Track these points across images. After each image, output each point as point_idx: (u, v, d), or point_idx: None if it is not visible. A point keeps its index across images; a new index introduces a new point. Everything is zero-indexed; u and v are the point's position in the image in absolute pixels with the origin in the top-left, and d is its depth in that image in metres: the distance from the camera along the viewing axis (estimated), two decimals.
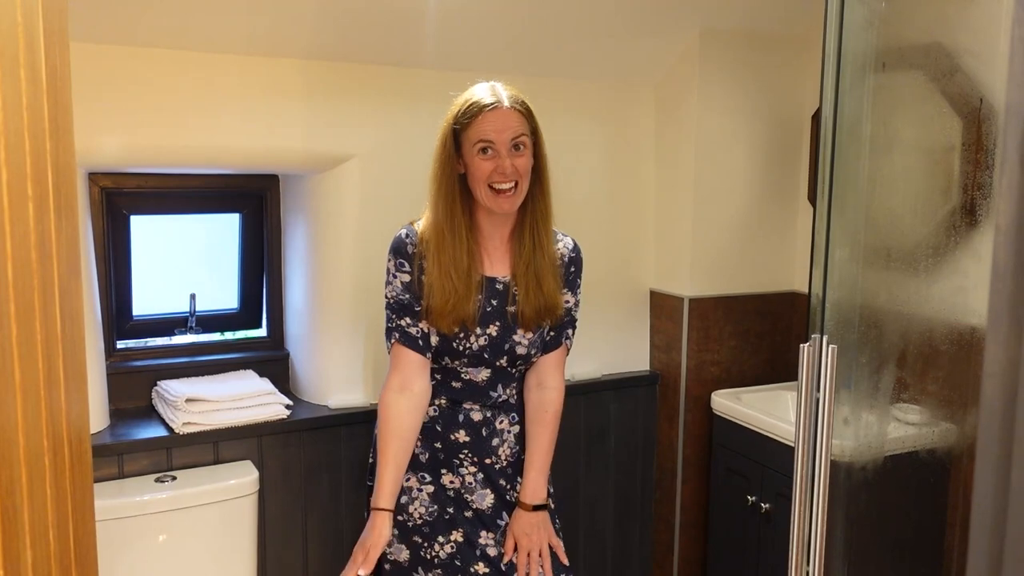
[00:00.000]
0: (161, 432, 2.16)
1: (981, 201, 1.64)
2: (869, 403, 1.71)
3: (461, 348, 1.78)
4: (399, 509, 1.84)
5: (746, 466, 2.45)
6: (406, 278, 1.79)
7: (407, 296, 1.79)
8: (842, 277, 1.56)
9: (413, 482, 1.85)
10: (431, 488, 1.85)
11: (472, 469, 1.85)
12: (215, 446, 2.21)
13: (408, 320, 1.79)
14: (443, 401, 1.85)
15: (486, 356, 1.80)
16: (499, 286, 1.82)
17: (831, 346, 1.44)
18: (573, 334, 1.95)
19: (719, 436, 2.58)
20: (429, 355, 1.82)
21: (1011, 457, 0.60)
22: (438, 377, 1.84)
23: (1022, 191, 0.57)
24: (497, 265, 1.83)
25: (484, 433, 1.85)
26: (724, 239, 2.67)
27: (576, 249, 1.93)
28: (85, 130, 1.71)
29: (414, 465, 1.85)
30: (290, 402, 2.32)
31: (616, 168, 2.69)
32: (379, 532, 1.77)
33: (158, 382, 2.31)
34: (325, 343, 2.39)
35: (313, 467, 2.33)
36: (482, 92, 1.75)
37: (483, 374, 1.82)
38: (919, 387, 1.72)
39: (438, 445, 1.85)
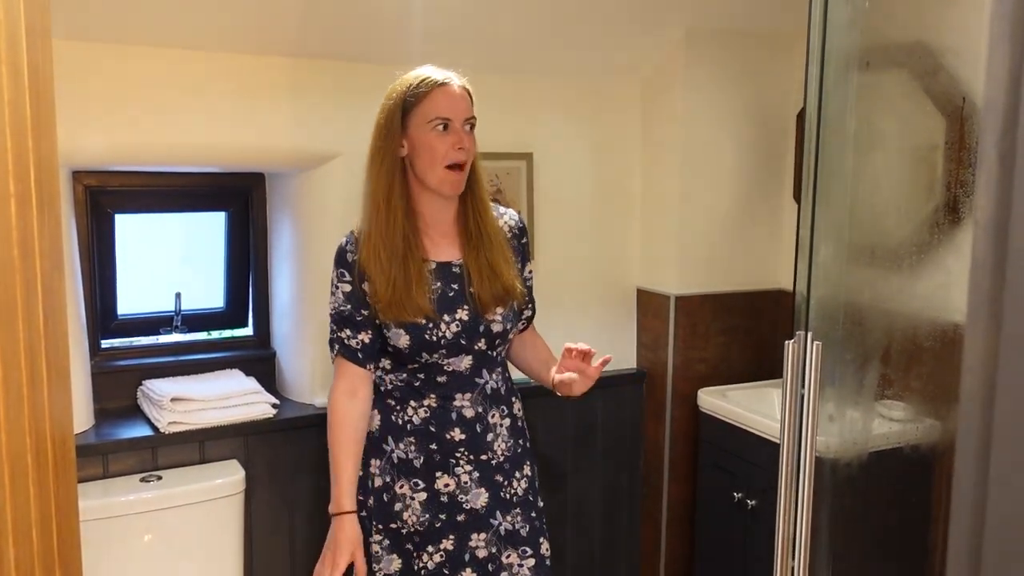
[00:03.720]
0: (146, 432, 2.15)
1: (964, 199, 1.65)
2: (854, 399, 1.72)
3: (435, 339, 1.75)
4: (393, 516, 1.82)
5: (732, 463, 2.46)
6: (347, 288, 1.78)
7: (348, 307, 1.78)
8: (827, 274, 1.57)
9: (406, 489, 1.81)
10: (423, 496, 1.81)
11: (468, 468, 1.81)
12: (201, 445, 2.20)
13: (348, 332, 1.79)
14: (432, 401, 1.81)
15: (463, 342, 1.77)
16: (456, 269, 1.80)
17: (816, 343, 1.45)
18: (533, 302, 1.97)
19: (706, 433, 2.59)
20: (371, 367, 1.81)
21: (990, 450, 0.61)
22: (421, 377, 1.80)
23: (1000, 187, 0.58)
24: (448, 250, 1.81)
25: (478, 429, 1.82)
26: (710, 237, 2.68)
27: (521, 219, 1.94)
28: (69, 128, 1.70)
29: (407, 471, 1.81)
30: (276, 401, 2.31)
31: (602, 166, 2.70)
32: (347, 535, 1.76)
33: (143, 381, 2.30)
34: (311, 342, 2.39)
35: (299, 466, 2.32)
36: (431, 71, 1.74)
37: (465, 362, 1.80)
38: (903, 383, 1.74)
39: (433, 447, 1.80)
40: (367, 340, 1.79)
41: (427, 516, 1.81)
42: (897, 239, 1.74)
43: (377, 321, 1.78)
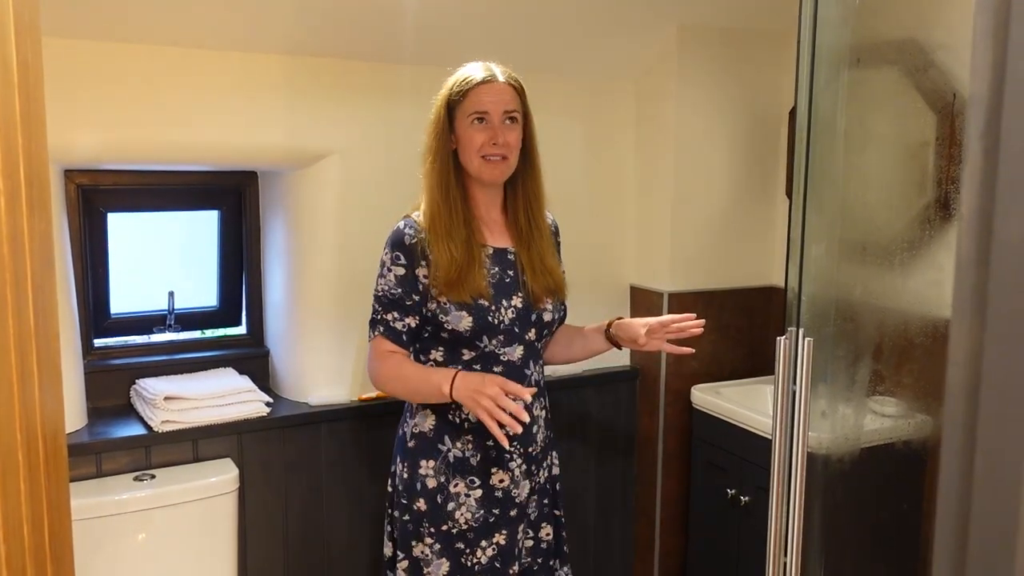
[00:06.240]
0: (140, 430, 2.14)
1: (955, 195, 1.65)
2: (845, 396, 1.72)
3: (496, 321, 1.78)
4: (445, 517, 1.82)
5: (726, 459, 2.47)
6: (401, 271, 1.78)
7: (399, 291, 1.78)
8: (818, 271, 1.57)
9: (461, 487, 1.82)
10: (479, 492, 1.83)
11: (519, 461, 1.86)
12: (194, 444, 2.20)
13: (396, 315, 1.79)
14: None
15: (516, 329, 1.81)
16: (511, 256, 1.85)
17: (807, 339, 1.45)
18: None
19: (699, 430, 2.59)
20: (411, 350, 1.84)
21: (975, 444, 0.61)
22: (477, 368, 1.80)
23: (984, 181, 0.58)
24: (501, 237, 1.87)
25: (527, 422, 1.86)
26: (703, 234, 2.68)
27: (554, 220, 2.02)
28: (60, 127, 1.69)
29: (462, 469, 1.82)
30: (270, 399, 2.31)
31: (596, 164, 2.70)
32: (474, 378, 1.69)
33: (136, 380, 2.30)
34: (305, 340, 2.39)
35: (293, 464, 2.32)
36: (477, 68, 1.81)
37: (518, 352, 1.83)
38: (895, 379, 1.74)
39: (490, 443, 1.81)
40: (413, 325, 1.81)
41: (481, 512, 1.84)
42: (889, 236, 1.74)
43: (433, 306, 1.77)
